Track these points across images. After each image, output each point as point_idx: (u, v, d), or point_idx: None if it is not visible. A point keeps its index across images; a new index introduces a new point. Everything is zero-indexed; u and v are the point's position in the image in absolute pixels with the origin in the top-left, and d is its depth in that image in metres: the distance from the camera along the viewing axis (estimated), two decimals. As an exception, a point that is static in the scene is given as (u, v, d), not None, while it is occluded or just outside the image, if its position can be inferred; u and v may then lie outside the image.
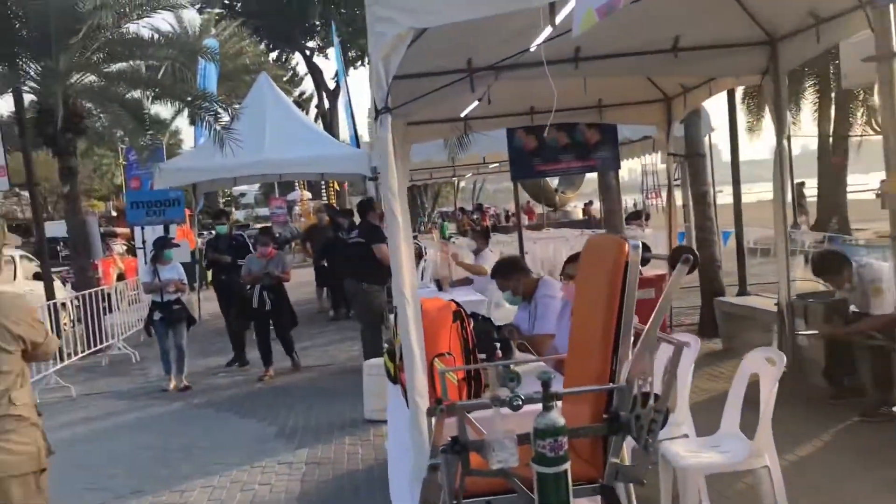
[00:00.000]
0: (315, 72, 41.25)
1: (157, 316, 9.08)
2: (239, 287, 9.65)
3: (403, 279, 3.39)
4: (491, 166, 17.54)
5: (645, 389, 2.72)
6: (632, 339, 2.91)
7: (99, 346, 11.08)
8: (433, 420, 2.91)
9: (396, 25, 3.43)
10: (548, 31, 4.46)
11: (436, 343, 3.69)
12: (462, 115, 8.54)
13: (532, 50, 5.31)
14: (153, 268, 9.14)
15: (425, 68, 6.11)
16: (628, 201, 36.27)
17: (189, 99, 12.31)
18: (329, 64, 57.56)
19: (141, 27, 13.63)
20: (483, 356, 4.04)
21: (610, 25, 4.27)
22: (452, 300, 4.17)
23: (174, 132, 43.04)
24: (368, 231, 8.61)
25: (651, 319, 2.76)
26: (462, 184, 32.46)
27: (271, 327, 9.47)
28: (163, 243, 9.50)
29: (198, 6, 32.19)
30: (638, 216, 29.09)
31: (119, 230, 26.95)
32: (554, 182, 28.75)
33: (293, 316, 9.66)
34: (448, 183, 38.10)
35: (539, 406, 2.41)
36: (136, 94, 12.79)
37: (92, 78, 12.29)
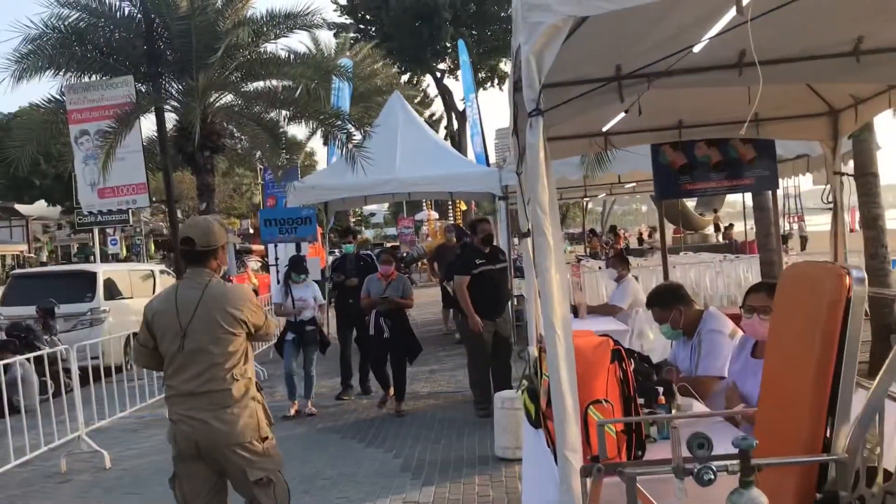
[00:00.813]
0: (445, 93, 41.57)
1: (289, 336, 8.71)
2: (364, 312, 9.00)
3: (554, 310, 2.87)
4: (627, 186, 16.76)
5: (871, 463, 2.12)
6: (853, 395, 2.29)
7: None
8: (588, 481, 2.50)
9: (552, 14, 2.95)
10: (726, 20, 3.84)
11: (591, 388, 3.15)
12: (604, 129, 7.96)
13: (696, 50, 4.70)
14: (286, 288, 8.76)
15: (570, 76, 5.61)
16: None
17: (322, 117, 12.26)
18: (459, 85, 57.98)
19: (279, 49, 13.78)
20: (641, 401, 3.46)
21: (780, 25, 3.67)
22: (607, 335, 3.62)
23: (309, 153, 44.38)
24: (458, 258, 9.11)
25: (883, 371, 2.15)
26: (590, 205, 31.73)
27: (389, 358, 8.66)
28: (297, 262, 9.10)
29: (334, 31, 33.09)
30: (786, 240, 27.38)
31: (255, 247, 27.79)
32: (691, 204, 27.45)
33: (415, 345, 8.76)
34: (576, 204, 37.39)
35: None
36: (272, 113, 12.89)
37: (230, 98, 12.50)
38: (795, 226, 39.14)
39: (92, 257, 28.66)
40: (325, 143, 24.28)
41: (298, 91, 15.33)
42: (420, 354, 9.09)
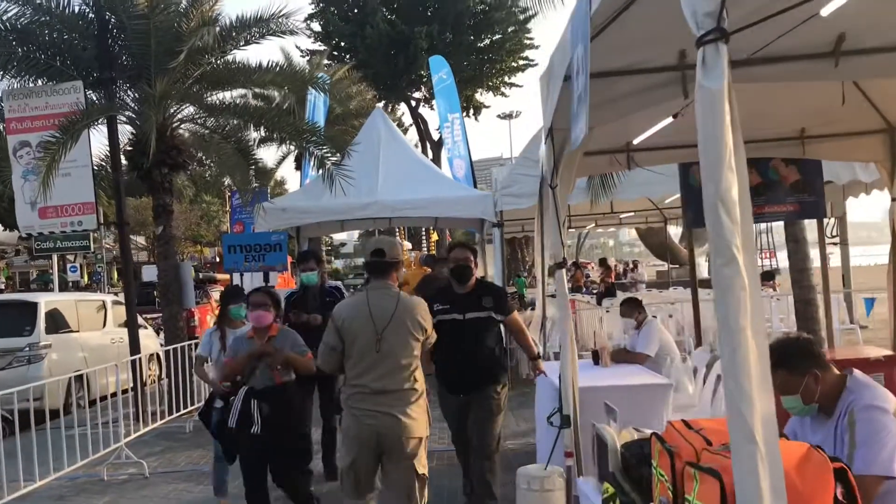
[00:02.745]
0: (420, 122, 40.63)
1: (218, 403, 5.72)
2: None
3: (752, 404, 1.58)
4: (623, 216, 15.64)
5: None
6: None
7: (187, 409, 9.66)
8: None
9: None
10: None
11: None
12: (636, 141, 6.77)
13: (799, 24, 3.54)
14: (219, 332, 6.16)
15: (620, 62, 4.43)
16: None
17: (296, 132, 10.97)
18: (433, 115, 57.29)
19: (248, 59, 12.47)
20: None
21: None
22: (819, 447, 2.33)
23: (279, 181, 42.99)
24: None
25: None
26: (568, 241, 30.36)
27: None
28: (233, 293, 6.56)
29: (307, 58, 31.99)
30: (770, 277, 26.47)
31: (220, 276, 26.25)
32: (676, 236, 26.48)
33: (303, 448, 5.67)
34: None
35: None
36: (240, 127, 11.57)
37: (192, 109, 11.18)
38: (767, 262, 38.54)
39: (51, 284, 27.05)
40: (298, 168, 22.99)
41: (274, 104, 14.12)
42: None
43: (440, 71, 16.01)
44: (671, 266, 23.89)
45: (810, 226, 9.60)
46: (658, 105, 5.02)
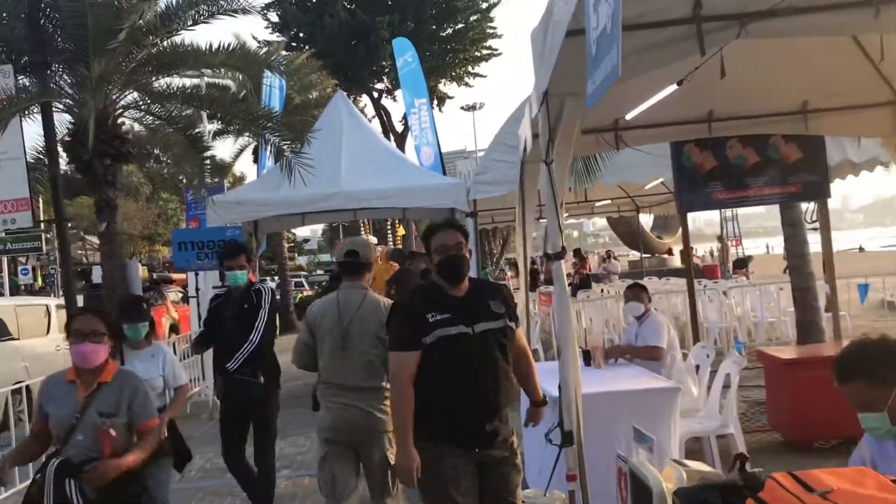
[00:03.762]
0: (383, 114, 39.76)
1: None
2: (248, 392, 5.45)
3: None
4: (597, 205, 15.01)
5: None
6: None
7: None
8: None
9: None
10: None
11: None
12: (629, 115, 6.08)
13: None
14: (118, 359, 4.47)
15: (629, 13, 3.73)
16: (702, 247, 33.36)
17: (251, 118, 10.13)
18: (397, 106, 56.47)
19: (198, 41, 11.56)
20: None
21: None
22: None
23: (239, 178, 41.79)
24: None
25: None
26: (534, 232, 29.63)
27: None
28: (127, 307, 4.98)
29: (263, 49, 30.87)
30: (743, 264, 26.15)
31: (176, 276, 25.22)
32: (647, 225, 26.04)
33: None
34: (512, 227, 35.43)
35: None
36: (190, 113, 10.70)
37: (136, 95, 10.29)
38: (733, 250, 38.25)
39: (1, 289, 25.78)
40: (256, 160, 22.04)
41: (230, 94, 13.24)
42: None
43: (405, 54, 15.17)
44: (644, 256, 23.40)
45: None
46: (666, 66, 4.32)
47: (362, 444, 4.44)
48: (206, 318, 5.90)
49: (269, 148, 10.18)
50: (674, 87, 4.93)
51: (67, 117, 10.09)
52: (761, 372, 7.28)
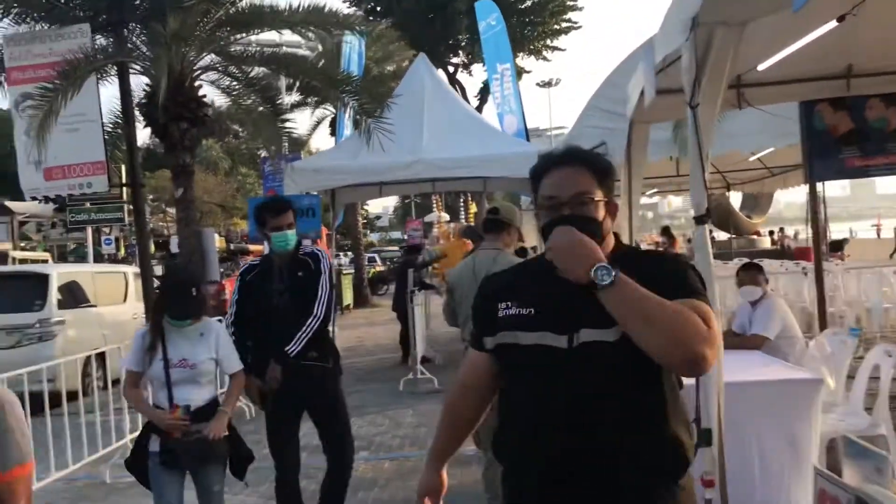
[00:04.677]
0: (459, 89, 39.18)
1: (154, 445, 3.88)
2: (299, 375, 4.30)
3: None
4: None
5: None
6: None
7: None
8: None
9: None
10: None
11: None
12: (762, 66, 5.32)
13: None
14: (152, 337, 3.94)
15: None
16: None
17: (329, 80, 9.66)
18: (472, 81, 55.80)
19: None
20: None
21: None
22: None
23: (314, 153, 41.84)
24: None
25: None
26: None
27: None
28: (178, 286, 4.13)
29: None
30: (839, 247, 24.68)
31: (253, 248, 25.25)
32: (736, 204, 24.74)
33: None
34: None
35: None
36: (267, 74, 10.29)
37: (213, 57, 9.93)
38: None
39: (87, 258, 26.39)
40: (333, 133, 21.73)
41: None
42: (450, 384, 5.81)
43: (488, 16, 14.43)
44: (732, 237, 22.20)
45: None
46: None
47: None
48: (238, 295, 4.48)
49: (347, 113, 9.66)
50: (829, 26, 4.16)
51: (144, 80, 9.82)
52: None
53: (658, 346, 1.87)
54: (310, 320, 4.24)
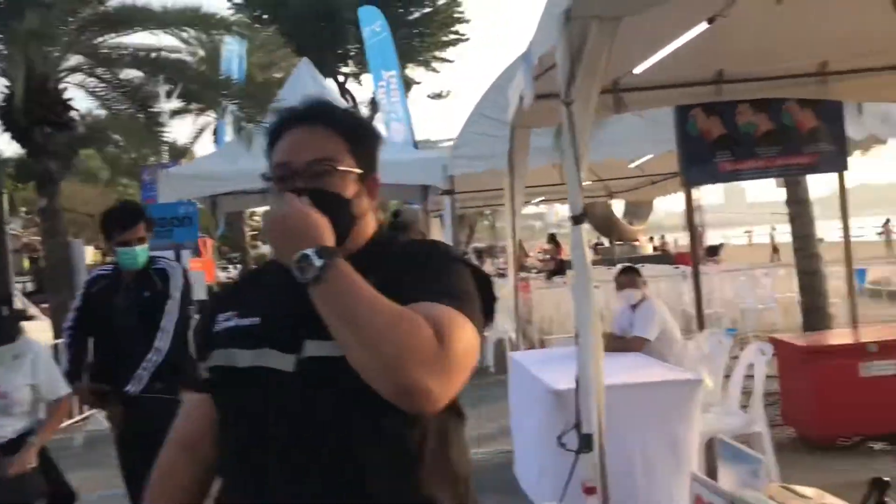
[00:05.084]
0: (349, 98, 38.89)
1: None
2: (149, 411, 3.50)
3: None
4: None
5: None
6: None
7: (75, 418, 7.95)
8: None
9: None
10: None
11: None
12: (638, 69, 5.37)
13: None
14: None
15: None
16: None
17: (209, 83, 9.27)
18: (362, 90, 55.38)
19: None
20: None
21: None
22: None
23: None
24: None
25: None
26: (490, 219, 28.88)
27: None
28: None
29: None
30: (715, 252, 25.78)
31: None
32: (619, 212, 25.55)
33: None
34: (480, 213, 34.55)
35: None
36: (141, 79, 9.79)
37: (80, 59, 9.37)
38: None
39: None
40: (217, 141, 21.06)
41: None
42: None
43: (373, 23, 14.25)
44: (616, 243, 22.88)
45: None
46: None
47: None
48: (80, 304, 4.03)
49: (227, 119, 9.28)
50: (701, 28, 4.22)
51: (4, 81, 9.16)
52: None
53: (362, 365, 1.32)
54: (150, 355, 3.76)
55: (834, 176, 6.79)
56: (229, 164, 9.47)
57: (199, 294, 10.97)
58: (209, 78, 9.65)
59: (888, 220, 30.87)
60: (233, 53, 12.98)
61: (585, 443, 3.20)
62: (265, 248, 61.64)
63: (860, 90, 6.17)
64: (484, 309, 1.50)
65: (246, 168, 9.32)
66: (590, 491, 3.23)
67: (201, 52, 15.42)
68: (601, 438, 3.22)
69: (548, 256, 17.66)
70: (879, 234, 30.64)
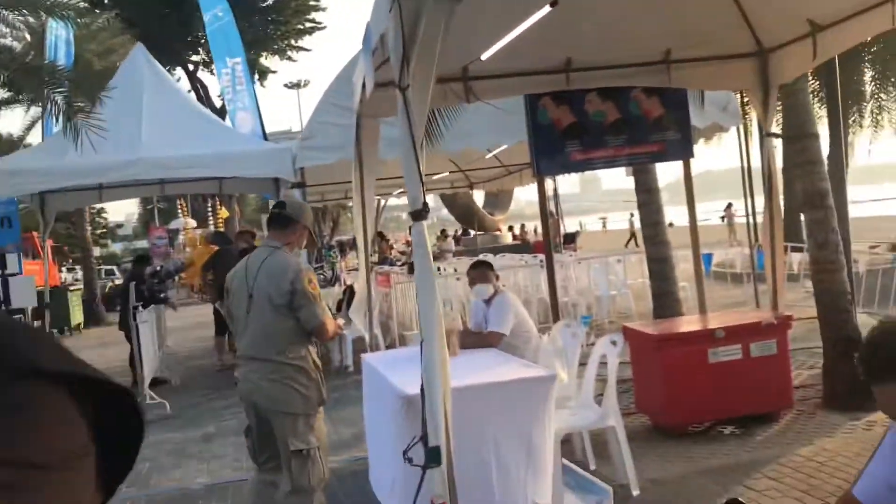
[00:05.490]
0: (200, 88, 37.21)
1: None
2: None
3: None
4: (435, 178, 14.19)
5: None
6: None
7: None
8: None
9: None
10: None
11: None
12: (485, 55, 5.16)
13: None
14: None
15: None
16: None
17: (28, 70, 8.40)
18: (215, 80, 53.25)
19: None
20: None
21: None
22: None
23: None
24: None
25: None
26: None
27: None
28: None
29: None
30: (572, 239, 26.43)
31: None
32: (479, 202, 25.73)
33: None
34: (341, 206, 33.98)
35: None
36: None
37: None
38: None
39: None
40: (44, 133, 19.50)
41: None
42: (187, 408, 6.27)
43: (214, 8, 13.45)
44: (477, 233, 23.00)
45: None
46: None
47: (267, 421, 4.04)
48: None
49: (53, 109, 8.45)
50: (541, 13, 4.06)
51: None
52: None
53: None
54: None
55: (680, 163, 6.89)
56: (54, 159, 8.66)
57: (29, 301, 10.04)
58: (28, 63, 8.73)
59: (730, 205, 32.66)
60: (58, 38, 11.91)
61: (432, 456, 2.96)
62: (116, 247, 57.96)
63: (701, 78, 6.27)
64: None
65: (74, 163, 8.56)
66: (438, 508, 2.99)
67: (28, 38, 14.20)
68: (449, 450, 2.98)
69: (409, 249, 17.44)
70: (722, 218, 32.37)
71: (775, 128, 6.48)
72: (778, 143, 6.73)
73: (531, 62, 5.92)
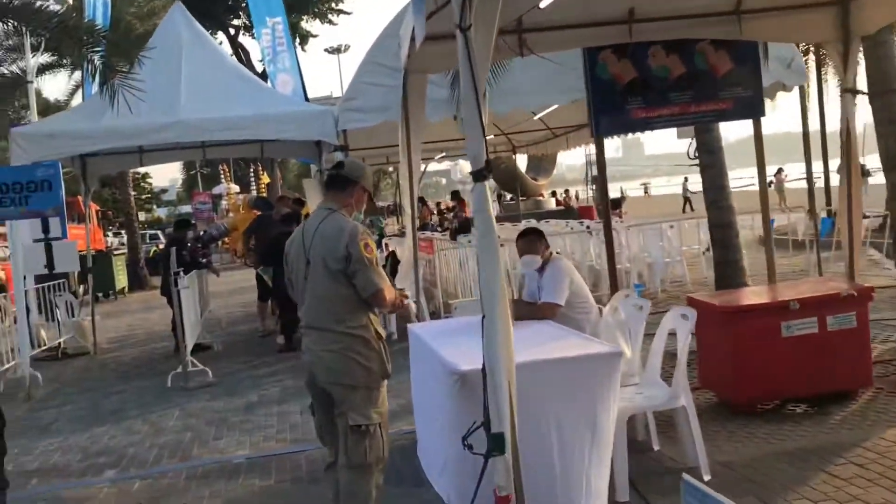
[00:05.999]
0: (241, 53, 37.03)
1: None
2: None
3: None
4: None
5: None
6: None
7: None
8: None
9: None
10: None
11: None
12: (543, 3, 4.76)
13: None
14: None
15: None
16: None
17: (65, 28, 8.18)
18: (257, 45, 53.11)
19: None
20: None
21: None
22: None
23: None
24: None
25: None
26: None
27: None
28: None
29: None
30: (618, 205, 25.85)
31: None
32: (522, 166, 25.22)
33: None
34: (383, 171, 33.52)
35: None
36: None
37: None
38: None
39: None
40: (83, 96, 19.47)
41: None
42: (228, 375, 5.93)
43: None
44: (521, 199, 22.54)
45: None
46: None
47: (327, 394, 3.78)
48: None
49: (90, 69, 8.24)
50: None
51: None
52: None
53: None
54: None
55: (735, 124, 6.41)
56: (92, 121, 8.46)
57: (72, 265, 9.93)
58: (66, 21, 8.51)
59: (780, 170, 31.64)
60: (98, 1, 11.71)
61: (496, 444, 2.65)
62: (161, 212, 58.65)
63: (775, 29, 5.79)
64: None
65: (110, 125, 8.38)
66: (503, 501, 2.69)
67: (70, 1, 14.04)
68: (514, 438, 2.68)
69: (451, 214, 17.12)
70: (769, 183, 31.45)
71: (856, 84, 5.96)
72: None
73: (591, 12, 5.50)
